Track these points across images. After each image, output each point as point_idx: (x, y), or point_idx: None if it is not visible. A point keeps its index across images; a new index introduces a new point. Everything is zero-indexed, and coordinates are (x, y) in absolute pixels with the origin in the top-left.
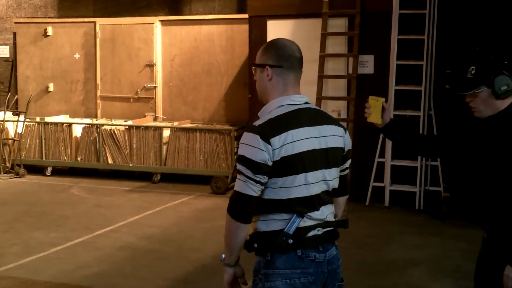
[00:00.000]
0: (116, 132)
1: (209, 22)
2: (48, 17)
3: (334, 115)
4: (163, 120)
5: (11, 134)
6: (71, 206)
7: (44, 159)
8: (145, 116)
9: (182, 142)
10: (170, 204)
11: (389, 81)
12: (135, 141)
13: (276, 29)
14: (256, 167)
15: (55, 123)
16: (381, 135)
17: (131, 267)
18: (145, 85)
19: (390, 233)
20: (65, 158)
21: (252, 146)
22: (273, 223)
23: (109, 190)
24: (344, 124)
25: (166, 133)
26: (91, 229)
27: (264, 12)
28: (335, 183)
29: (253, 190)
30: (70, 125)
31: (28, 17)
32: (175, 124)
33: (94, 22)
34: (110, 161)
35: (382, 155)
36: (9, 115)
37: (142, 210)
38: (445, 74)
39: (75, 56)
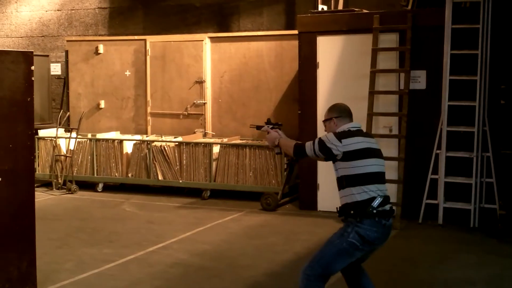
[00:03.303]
0: (166, 148)
1: (258, 39)
2: (99, 35)
3: (386, 131)
4: (213, 136)
5: (63, 150)
6: (123, 222)
7: (95, 175)
8: (194, 133)
9: (232, 158)
10: (220, 220)
11: (441, 96)
12: (185, 158)
13: (326, 45)
14: (324, 150)
15: (106, 140)
16: (434, 151)
17: (184, 284)
18: (195, 101)
19: (444, 251)
20: (116, 174)
21: (329, 138)
22: (360, 195)
23: (159, 206)
24: (396, 140)
25: (216, 149)
26: (143, 246)
27: (314, 28)
28: (384, 170)
29: (311, 153)
30: (121, 141)
31: (79, 35)
32: (225, 140)
33: (145, 40)
34: (160, 177)
35: (435, 171)
36: (61, 131)
37: (193, 226)
38: (500, 89)
39: (125, 73)
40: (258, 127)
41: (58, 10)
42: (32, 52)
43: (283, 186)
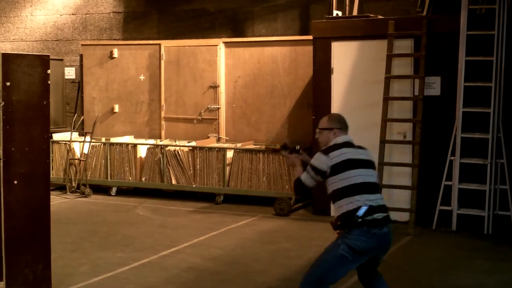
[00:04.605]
0: (180, 153)
1: (273, 44)
2: (114, 39)
3: (399, 138)
4: (226, 141)
5: (77, 154)
6: (136, 226)
7: (109, 179)
8: (208, 137)
9: (245, 163)
10: (234, 225)
11: (456, 103)
12: (198, 162)
13: (341, 51)
14: (317, 171)
15: (120, 144)
16: (448, 158)
17: None
18: (209, 106)
19: (457, 257)
20: (130, 178)
21: (318, 159)
22: (347, 206)
23: (173, 211)
24: (410, 146)
25: (230, 154)
26: (157, 250)
27: (329, 34)
28: (375, 180)
29: (312, 182)
30: (134, 145)
31: (93, 39)
32: (239, 145)
33: (159, 44)
34: (174, 181)
35: (449, 178)
36: (75, 135)
37: (206, 231)
38: None
39: (140, 77)
40: (279, 150)
41: (72, 14)
42: (48, 56)
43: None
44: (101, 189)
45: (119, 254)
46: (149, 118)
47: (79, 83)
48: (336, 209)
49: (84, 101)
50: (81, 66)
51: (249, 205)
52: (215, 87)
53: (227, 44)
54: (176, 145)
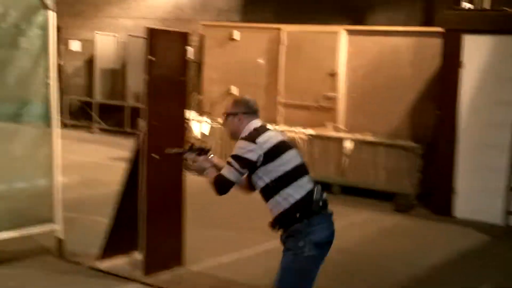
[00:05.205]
0: (298, 140)
1: (396, 34)
2: (231, 21)
3: None
4: (344, 131)
5: (196, 133)
6: (261, 210)
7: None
8: (324, 126)
9: (364, 155)
10: (355, 218)
11: None
12: (316, 151)
13: (472, 45)
14: (245, 162)
15: None
16: None
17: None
18: (326, 94)
19: None
20: None
21: (242, 147)
22: (295, 194)
23: None
24: None
25: (348, 144)
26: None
27: (459, 26)
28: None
29: (237, 176)
30: None
31: (211, 20)
32: (358, 136)
33: (279, 29)
34: None
35: None
36: (194, 114)
37: None
38: None
39: (258, 61)
40: (179, 153)
41: None
42: (188, 33)
43: (416, 188)
44: None
45: (246, 235)
46: (266, 102)
47: (198, 63)
48: (279, 203)
49: (203, 81)
50: (200, 46)
51: (364, 197)
52: (333, 75)
53: (348, 32)
54: (295, 132)
